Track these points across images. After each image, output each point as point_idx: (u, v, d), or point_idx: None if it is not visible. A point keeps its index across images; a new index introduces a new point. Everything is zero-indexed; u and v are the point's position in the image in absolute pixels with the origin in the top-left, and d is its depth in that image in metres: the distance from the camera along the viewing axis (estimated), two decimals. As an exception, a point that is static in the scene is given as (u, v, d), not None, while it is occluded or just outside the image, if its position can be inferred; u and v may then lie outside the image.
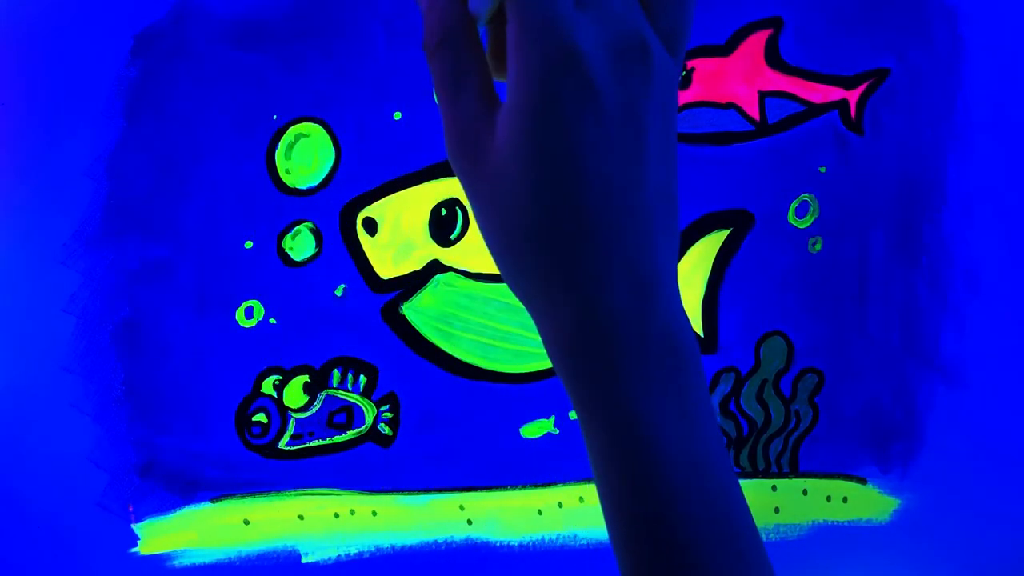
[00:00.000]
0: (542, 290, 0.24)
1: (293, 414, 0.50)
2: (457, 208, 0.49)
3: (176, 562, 0.50)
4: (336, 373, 0.49)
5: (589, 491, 0.50)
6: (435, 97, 0.25)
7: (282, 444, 0.50)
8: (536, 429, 0.50)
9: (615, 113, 0.23)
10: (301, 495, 0.50)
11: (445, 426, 0.50)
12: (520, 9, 0.23)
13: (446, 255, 0.49)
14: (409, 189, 0.49)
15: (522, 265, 0.24)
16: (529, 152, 0.23)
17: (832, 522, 0.50)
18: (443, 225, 0.49)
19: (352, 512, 0.50)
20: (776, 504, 0.50)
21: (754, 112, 0.48)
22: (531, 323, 0.49)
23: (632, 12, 0.24)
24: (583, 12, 0.23)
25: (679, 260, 0.47)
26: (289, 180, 0.49)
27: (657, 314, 0.23)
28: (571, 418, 0.50)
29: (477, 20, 0.24)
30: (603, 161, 0.23)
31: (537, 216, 0.23)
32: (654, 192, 0.24)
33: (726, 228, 0.48)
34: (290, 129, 0.48)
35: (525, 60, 0.23)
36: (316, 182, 0.49)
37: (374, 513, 0.50)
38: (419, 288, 0.49)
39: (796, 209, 0.48)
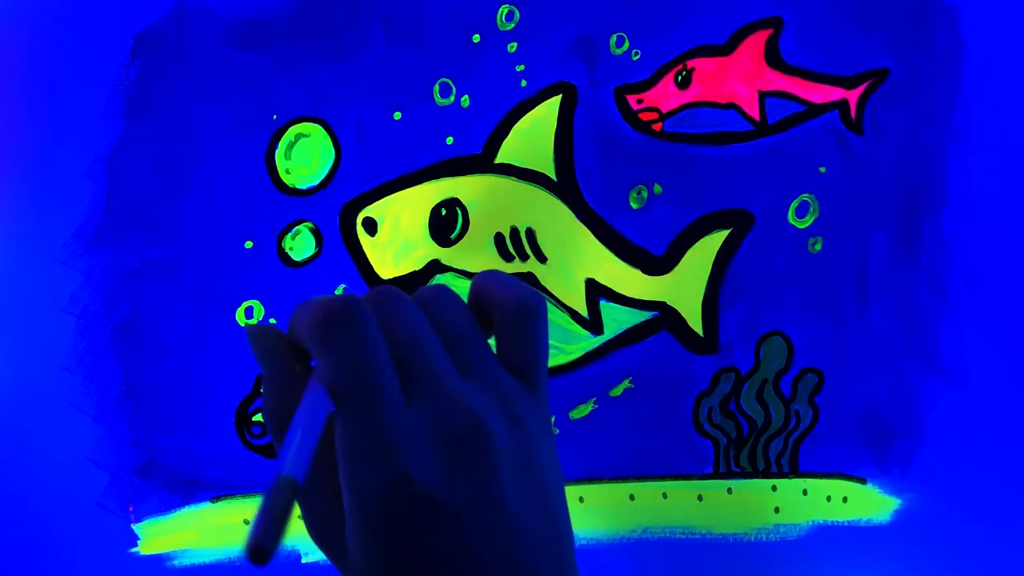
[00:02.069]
0: None
1: (293, 414, 0.50)
2: (457, 208, 0.49)
3: (176, 562, 0.50)
4: (336, 373, 0.49)
5: (589, 491, 0.50)
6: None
7: (282, 444, 0.50)
8: (536, 429, 0.50)
9: (462, 509, 0.23)
10: (301, 495, 0.50)
11: (445, 426, 0.50)
12: (345, 432, 0.23)
13: (446, 255, 0.49)
14: (409, 189, 0.49)
15: None
16: (377, 562, 0.23)
17: (832, 522, 0.50)
18: (443, 225, 0.49)
19: (352, 512, 0.50)
20: (776, 504, 0.50)
21: (754, 112, 0.48)
22: (531, 323, 0.49)
23: (465, 390, 0.24)
24: (412, 408, 0.23)
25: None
26: (289, 180, 0.49)
27: None
28: (571, 418, 0.50)
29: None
30: (459, 559, 0.23)
31: None
32: (534, 551, 0.24)
33: (726, 228, 0.48)
34: (290, 129, 0.48)
35: (357, 491, 0.23)
36: (316, 182, 0.49)
37: (374, 513, 0.50)
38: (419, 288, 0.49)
39: (796, 209, 0.48)
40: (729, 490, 0.50)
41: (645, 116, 0.48)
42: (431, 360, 0.24)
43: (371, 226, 0.49)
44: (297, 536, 0.50)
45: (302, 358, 0.25)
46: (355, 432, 0.23)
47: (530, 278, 0.49)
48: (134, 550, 0.50)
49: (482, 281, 0.28)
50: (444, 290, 0.27)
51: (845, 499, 0.50)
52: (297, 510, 0.22)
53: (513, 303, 0.26)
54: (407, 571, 0.23)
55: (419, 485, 0.22)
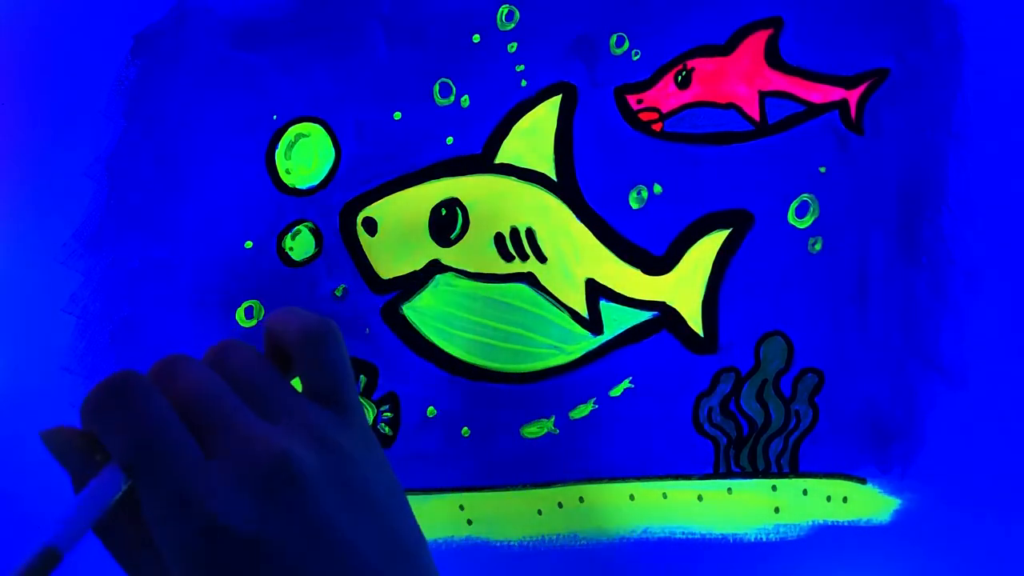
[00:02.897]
0: None
1: (293, 414, 0.50)
2: (457, 208, 0.49)
3: (176, 562, 0.50)
4: (336, 373, 0.49)
5: (589, 491, 0.50)
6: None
7: (282, 444, 0.50)
8: (536, 429, 0.50)
9: (287, 546, 0.23)
10: (301, 495, 0.50)
11: (445, 426, 0.50)
12: (147, 501, 0.23)
13: (446, 255, 0.49)
14: (409, 189, 0.49)
15: None
16: None
17: (832, 522, 0.50)
18: (443, 225, 0.49)
19: (352, 512, 0.50)
20: (776, 504, 0.50)
21: (754, 112, 0.48)
22: (531, 323, 0.49)
23: (265, 429, 0.24)
24: (212, 460, 0.23)
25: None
26: (289, 180, 0.49)
27: None
28: (571, 418, 0.50)
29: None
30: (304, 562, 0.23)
31: None
32: (374, 568, 0.24)
33: (726, 228, 0.48)
34: (290, 129, 0.48)
35: (173, 553, 0.22)
36: (316, 182, 0.49)
37: (374, 513, 0.50)
38: (419, 288, 0.49)
39: (796, 209, 0.48)
40: (729, 490, 0.50)
41: (645, 116, 0.48)
42: (224, 410, 0.24)
43: (371, 226, 0.49)
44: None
45: (100, 447, 0.25)
46: (156, 498, 0.23)
47: (530, 278, 0.49)
48: (134, 550, 0.50)
49: (270, 321, 0.28)
50: (234, 343, 0.27)
51: (845, 499, 0.50)
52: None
53: (300, 332, 0.27)
54: None
55: (232, 531, 0.22)
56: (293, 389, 0.27)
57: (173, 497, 0.22)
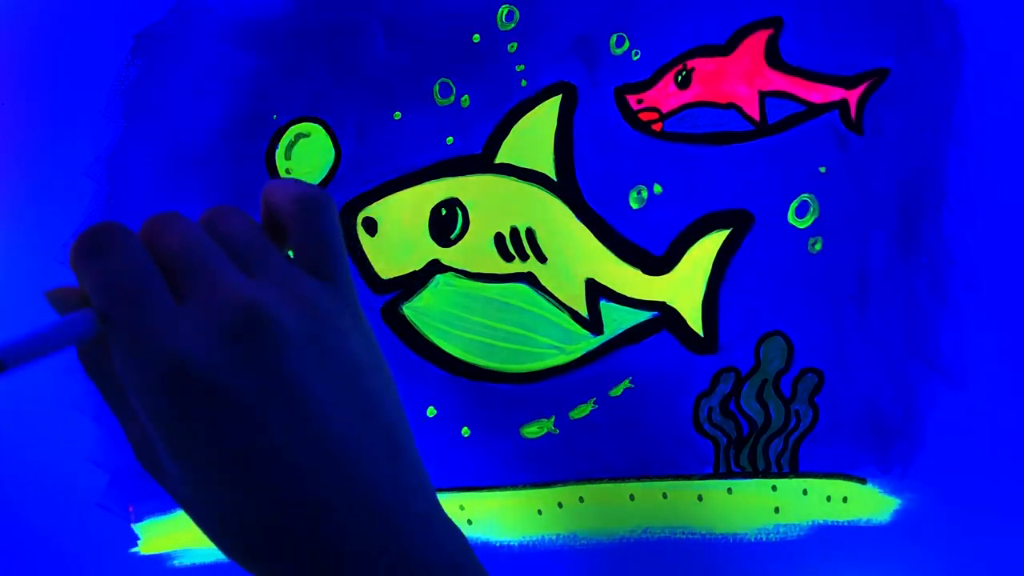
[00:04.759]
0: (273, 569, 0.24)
1: (293, 414, 0.50)
2: (457, 208, 0.49)
3: (176, 562, 0.50)
4: (336, 373, 0.49)
5: (589, 491, 0.50)
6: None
7: (282, 444, 0.50)
8: (536, 429, 0.50)
9: (252, 397, 0.22)
10: (301, 495, 0.50)
11: (445, 426, 0.50)
12: (117, 345, 0.23)
13: (446, 255, 0.49)
14: (409, 189, 0.49)
15: (243, 554, 0.24)
16: (186, 467, 0.23)
17: (832, 522, 0.50)
18: (443, 225, 0.49)
19: (352, 512, 0.50)
20: (776, 504, 0.50)
21: (754, 112, 0.48)
22: (531, 323, 0.49)
23: (244, 283, 0.24)
24: (184, 306, 0.23)
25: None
26: (289, 180, 0.49)
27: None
28: (571, 418, 0.50)
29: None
30: (261, 448, 0.22)
31: (234, 523, 0.23)
32: (346, 435, 0.23)
33: (726, 228, 0.48)
34: (290, 129, 0.48)
35: (140, 396, 0.22)
36: (316, 182, 0.49)
37: (374, 513, 0.50)
38: (419, 288, 0.49)
39: (796, 209, 0.48)
40: (729, 490, 0.50)
41: (645, 116, 0.48)
42: (204, 262, 0.24)
43: (371, 226, 0.49)
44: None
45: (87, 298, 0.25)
46: (125, 342, 0.22)
47: (530, 278, 0.49)
48: (134, 550, 0.50)
49: (267, 189, 0.27)
50: (229, 208, 0.26)
51: (845, 499, 0.50)
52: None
53: (295, 199, 0.26)
54: (207, 468, 0.22)
55: (197, 372, 0.22)
56: (284, 256, 0.26)
57: (139, 339, 0.22)
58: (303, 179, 0.49)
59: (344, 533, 0.23)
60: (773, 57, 0.48)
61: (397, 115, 0.48)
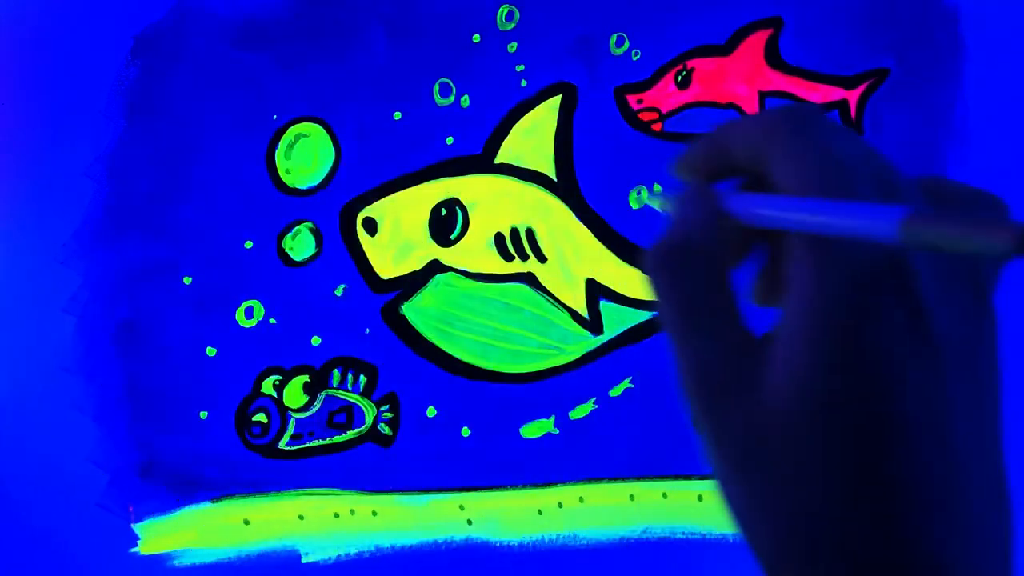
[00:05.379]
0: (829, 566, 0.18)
1: (293, 414, 0.50)
2: (457, 208, 0.49)
3: (176, 562, 0.50)
4: (336, 373, 0.49)
5: (589, 491, 0.50)
6: (664, 324, 0.20)
7: (282, 444, 0.50)
8: (536, 429, 0.50)
9: (948, 351, 0.18)
10: (301, 495, 0.50)
11: (445, 426, 0.50)
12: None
13: (446, 255, 0.49)
14: (409, 189, 0.49)
15: (808, 535, 0.18)
16: (833, 388, 0.17)
17: (832, 522, 0.50)
18: (443, 225, 0.49)
19: (352, 512, 0.50)
20: (776, 504, 0.50)
21: (754, 112, 0.48)
22: (531, 323, 0.49)
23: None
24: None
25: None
26: (289, 180, 0.49)
27: None
28: (571, 418, 0.50)
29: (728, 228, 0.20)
30: (940, 418, 0.17)
31: (840, 475, 0.17)
32: (985, 459, 0.18)
33: (726, 228, 0.48)
34: (290, 129, 0.48)
35: (828, 279, 0.17)
36: (316, 182, 0.49)
37: (374, 513, 0.50)
38: (419, 288, 0.49)
39: (796, 209, 0.48)
40: (729, 490, 0.50)
41: (645, 116, 0.48)
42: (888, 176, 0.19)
43: (371, 226, 0.49)
44: (297, 536, 0.50)
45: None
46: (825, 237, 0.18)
47: (530, 278, 0.49)
48: (134, 550, 0.50)
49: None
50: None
51: (845, 499, 0.50)
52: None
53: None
54: (861, 395, 0.17)
55: (910, 281, 0.17)
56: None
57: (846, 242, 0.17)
58: (303, 179, 0.49)
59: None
60: (773, 57, 0.48)
61: (397, 115, 0.48)
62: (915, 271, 0.17)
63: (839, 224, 0.17)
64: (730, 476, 0.19)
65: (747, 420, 0.18)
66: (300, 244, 0.49)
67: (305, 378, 0.49)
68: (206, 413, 0.49)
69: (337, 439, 0.50)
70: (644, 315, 0.49)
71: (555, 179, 0.48)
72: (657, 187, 0.48)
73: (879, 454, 0.17)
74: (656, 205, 0.23)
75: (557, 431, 0.50)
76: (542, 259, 0.49)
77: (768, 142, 0.19)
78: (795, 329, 0.18)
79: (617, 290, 0.49)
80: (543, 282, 0.49)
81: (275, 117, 0.48)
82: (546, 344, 0.49)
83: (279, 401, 0.50)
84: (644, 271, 0.20)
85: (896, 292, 0.17)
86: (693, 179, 0.21)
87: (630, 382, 0.49)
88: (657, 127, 0.48)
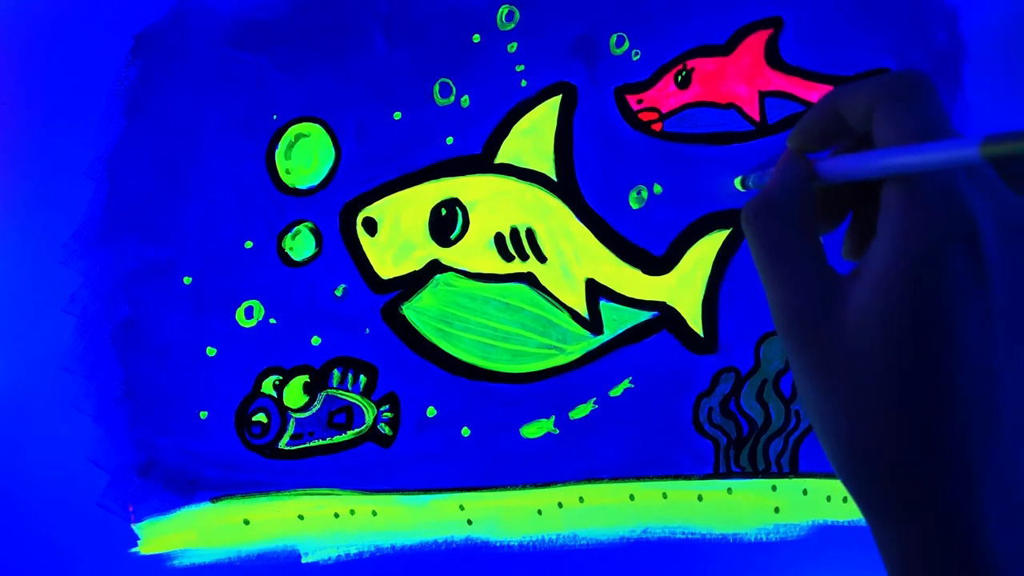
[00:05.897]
0: (891, 492, 0.21)
1: (293, 414, 0.50)
2: (457, 208, 0.49)
3: (176, 562, 0.50)
4: (336, 373, 0.49)
5: (589, 491, 0.50)
6: (758, 268, 0.25)
7: (282, 444, 0.50)
8: (536, 429, 0.50)
9: (1003, 298, 0.20)
10: (301, 495, 0.50)
11: (445, 426, 0.50)
12: (910, 176, 0.21)
13: (446, 255, 0.49)
14: (409, 189, 0.49)
15: (873, 457, 0.21)
16: (903, 325, 0.20)
17: (832, 522, 0.50)
18: (443, 225, 0.49)
19: (352, 512, 0.50)
20: (776, 504, 0.50)
21: (754, 112, 0.48)
22: (531, 323, 0.49)
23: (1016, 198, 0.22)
24: (972, 182, 0.21)
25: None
26: (289, 180, 0.49)
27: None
28: (571, 418, 0.50)
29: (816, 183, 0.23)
30: (985, 350, 0.20)
31: (902, 403, 0.21)
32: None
33: (726, 228, 0.48)
34: (290, 129, 0.48)
35: (913, 226, 0.21)
36: (316, 182, 0.49)
37: (374, 513, 0.50)
38: (419, 288, 0.49)
39: (796, 209, 0.48)
40: (729, 490, 0.50)
41: (645, 116, 0.48)
42: None
43: (371, 226, 0.49)
44: (297, 536, 0.50)
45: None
46: (925, 175, 0.21)
47: (530, 278, 0.49)
48: (134, 550, 0.50)
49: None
50: None
51: (845, 499, 0.50)
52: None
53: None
54: (926, 335, 0.20)
55: (979, 237, 0.20)
56: None
57: (943, 178, 0.21)
58: (303, 179, 0.49)
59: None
60: (773, 57, 0.48)
61: (397, 115, 0.48)
62: (982, 228, 0.20)
63: (927, 160, 0.20)
64: (818, 385, 0.22)
65: (832, 341, 0.22)
66: (300, 244, 0.49)
67: (305, 378, 0.49)
68: (206, 413, 0.49)
69: (337, 439, 0.50)
70: (644, 315, 0.49)
71: (555, 179, 0.48)
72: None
73: (930, 376, 0.20)
74: (751, 184, 0.26)
75: (557, 431, 0.50)
76: (542, 259, 0.49)
77: (875, 104, 0.22)
78: (880, 267, 0.21)
79: (617, 290, 0.49)
80: (543, 282, 0.49)
81: (275, 117, 0.48)
82: (546, 344, 0.49)
83: (279, 401, 0.50)
84: (741, 225, 0.24)
85: (964, 240, 0.20)
86: (799, 148, 0.25)
87: (630, 382, 0.49)
88: (657, 127, 0.48)
